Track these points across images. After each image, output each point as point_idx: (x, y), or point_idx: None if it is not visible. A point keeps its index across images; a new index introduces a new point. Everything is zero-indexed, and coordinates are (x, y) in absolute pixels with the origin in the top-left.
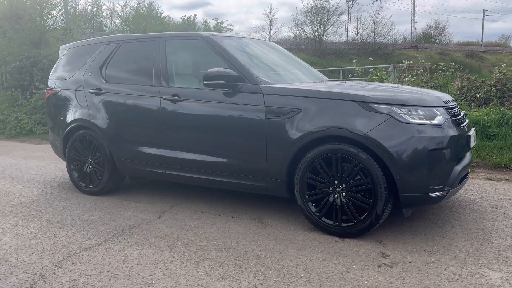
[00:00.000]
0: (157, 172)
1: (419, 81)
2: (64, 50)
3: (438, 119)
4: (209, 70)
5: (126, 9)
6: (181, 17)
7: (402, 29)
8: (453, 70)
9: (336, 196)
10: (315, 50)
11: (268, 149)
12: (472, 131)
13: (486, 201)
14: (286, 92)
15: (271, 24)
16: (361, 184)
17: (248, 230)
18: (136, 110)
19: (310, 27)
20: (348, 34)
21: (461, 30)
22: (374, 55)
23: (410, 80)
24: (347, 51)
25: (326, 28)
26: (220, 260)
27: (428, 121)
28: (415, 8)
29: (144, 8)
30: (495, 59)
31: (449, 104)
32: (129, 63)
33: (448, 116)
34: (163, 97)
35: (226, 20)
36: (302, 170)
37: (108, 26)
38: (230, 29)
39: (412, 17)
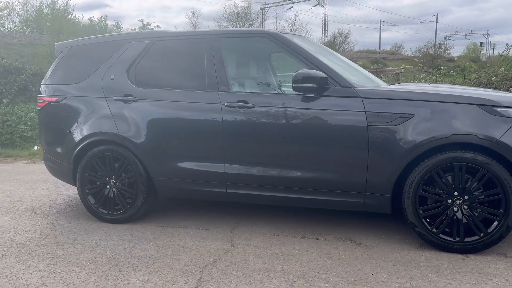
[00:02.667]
0: (214, 191)
1: None
2: (63, 49)
3: None
4: (299, 72)
5: (28, 8)
6: (88, 18)
7: (318, 37)
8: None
9: (456, 209)
10: None
11: (370, 159)
12: None
13: None
14: (392, 95)
15: (194, 28)
16: (490, 194)
17: (353, 253)
18: (187, 120)
19: None
20: None
21: (359, 40)
22: None
23: None
24: None
25: None
26: None
27: None
28: (325, 18)
29: (47, 8)
30: (394, 65)
31: None
32: (167, 64)
33: None
34: (225, 104)
35: (153, 22)
36: (416, 182)
37: (6, 26)
38: None
39: (323, 26)
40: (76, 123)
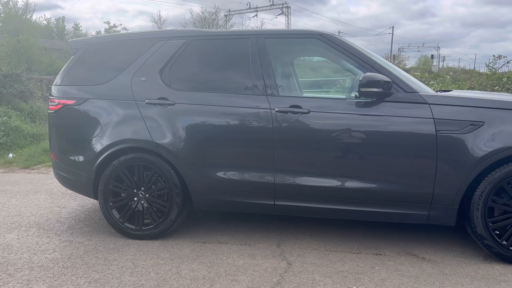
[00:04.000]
0: (261, 203)
1: None
2: (81, 46)
3: None
4: (365, 75)
5: None
6: (45, 19)
7: None
8: None
9: None
10: None
11: (438, 169)
12: None
13: None
14: (462, 102)
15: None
16: None
17: (422, 269)
18: (232, 126)
19: None
20: None
21: None
22: None
23: None
24: None
25: None
26: None
27: None
28: (289, 27)
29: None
30: None
31: None
32: (206, 65)
33: None
34: (276, 109)
35: (120, 24)
36: (486, 193)
37: None
38: None
39: None
40: (99, 129)
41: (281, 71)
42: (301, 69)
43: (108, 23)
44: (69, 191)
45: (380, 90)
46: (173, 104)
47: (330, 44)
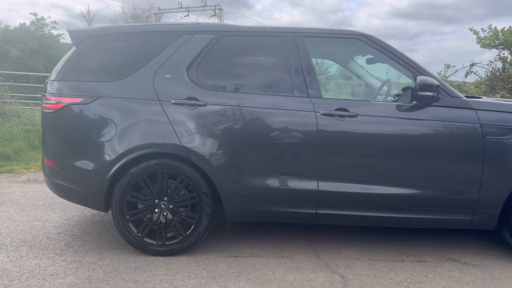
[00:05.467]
0: (301, 212)
1: None
2: (84, 37)
3: None
4: (421, 78)
5: None
6: None
7: None
8: None
9: None
10: None
11: (484, 174)
12: None
13: None
14: (507, 108)
15: (88, 26)
16: None
17: (473, 275)
18: (273, 130)
19: None
20: None
21: None
22: None
23: None
24: None
25: None
26: None
27: None
28: None
29: None
30: None
31: None
32: (239, 63)
33: None
34: (321, 112)
35: (49, 17)
36: None
37: None
38: (54, 27)
39: None
40: (114, 132)
41: (322, 72)
42: (352, 69)
43: (35, 14)
44: (39, 201)
45: (434, 94)
46: (204, 105)
47: (373, 46)
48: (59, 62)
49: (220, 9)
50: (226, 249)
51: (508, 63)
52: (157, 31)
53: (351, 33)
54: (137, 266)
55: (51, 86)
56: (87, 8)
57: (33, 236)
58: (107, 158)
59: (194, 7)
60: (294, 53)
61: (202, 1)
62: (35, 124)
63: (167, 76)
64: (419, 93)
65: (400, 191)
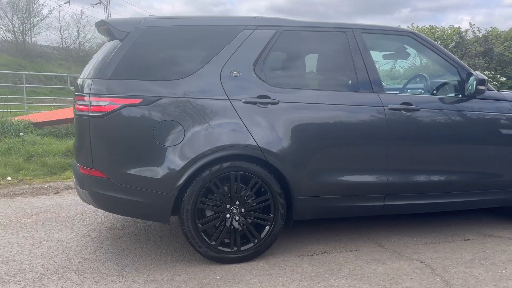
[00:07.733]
0: (370, 205)
1: None
2: (131, 29)
3: None
4: (477, 74)
5: None
6: None
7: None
8: None
9: None
10: (19, 51)
11: None
12: None
13: None
14: None
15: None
16: None
17: None
18: (346, 126)
19: (11, 24)
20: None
21: None
22: (81, 61)
23: None
24: (55, 55)
25: (31, 28)
26: None
27: None
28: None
29: None
30: None
31: None
32: (302, 59)
33: None
34: (389, 106)
35: None
36: None
37: None
38: None
39: None
40: (182, 135)
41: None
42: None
43: None
44: (25, 219)
45: (486, 87)
46: (277, 103)
47: (422, 43)
48: (95, 58)
49: None
50: (291, 249)
51: None
52: (215, 24)
53: (403, 31)
54: (222, 276)
55: (96, 86)
56: None
57: (65, 259)
58: (177, 163)
59: None
60: (355, 49)
61: None
62: None
63: (234, 73)
64: (478, 87)
65: (457, 177)
